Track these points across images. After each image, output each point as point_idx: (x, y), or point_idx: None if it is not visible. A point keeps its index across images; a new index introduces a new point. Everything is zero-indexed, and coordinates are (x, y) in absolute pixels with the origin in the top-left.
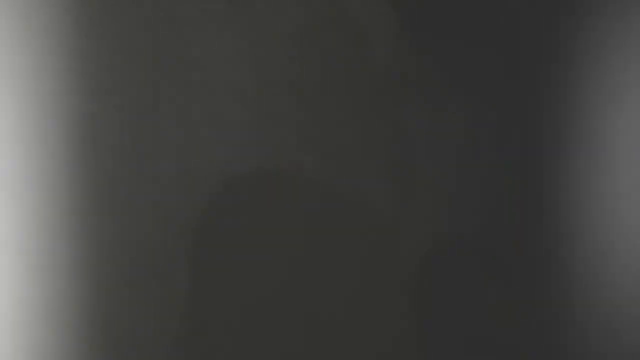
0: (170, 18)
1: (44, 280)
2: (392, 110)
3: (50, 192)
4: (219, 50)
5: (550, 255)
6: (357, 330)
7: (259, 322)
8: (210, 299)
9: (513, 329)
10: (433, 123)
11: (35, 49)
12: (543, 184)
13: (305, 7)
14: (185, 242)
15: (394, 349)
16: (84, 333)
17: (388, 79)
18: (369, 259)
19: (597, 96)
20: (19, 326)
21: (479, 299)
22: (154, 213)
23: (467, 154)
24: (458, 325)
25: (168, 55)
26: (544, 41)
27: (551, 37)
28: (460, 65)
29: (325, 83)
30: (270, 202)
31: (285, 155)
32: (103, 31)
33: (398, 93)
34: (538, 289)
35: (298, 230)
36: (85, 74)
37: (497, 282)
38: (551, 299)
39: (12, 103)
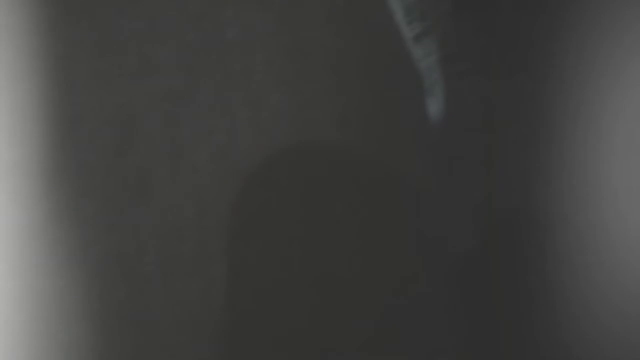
0: (206, 0)
1: (80, 271)
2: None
3: (87, 182)
4: (257, 32)
5: (555, 251)
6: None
7: (302, 295)
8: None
9: (516, 327)
10: (485, 99)
11: (63, 32)
12: (544, 182)
13: None
14: (223, 227)
15: (434, 325)
16: (119, 324)
17: (439, 57)
18: (408, 235)
19: (597, 95)
20: (53, 316)
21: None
22: (192, 197)
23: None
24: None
25: (205, 37)
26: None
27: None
28: (510, 42)
29: (366, 63)
30: (307, 184)
31: (323, 136)
32: (137, 13)
33: (448, 71)
34: (538, 285)
35: (337, 213)
36: (118, 58)
37: (508, 275)
38: (549, 296)
39: (45, 89)
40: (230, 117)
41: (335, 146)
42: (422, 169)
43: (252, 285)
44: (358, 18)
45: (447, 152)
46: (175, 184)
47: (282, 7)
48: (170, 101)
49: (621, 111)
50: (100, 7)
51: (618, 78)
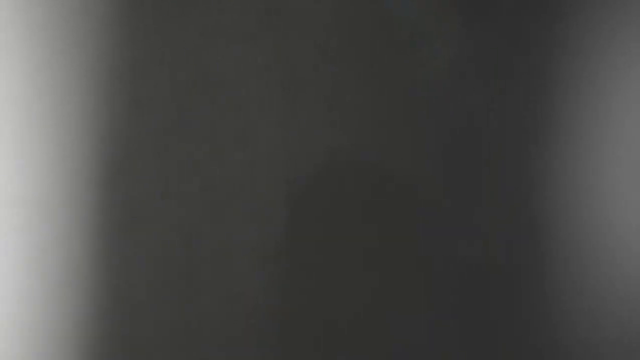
0: (198, 34)
1: (68, 303)
2: (451, 103)
3: (76, 215)
4: (247, 66)
5: (549, 253)
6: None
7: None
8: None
9: (508, 328)
10: (489, 100)
11: (63, 66)
12: (542, 182)
13: (337, 16)
14: (211, 259)
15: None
16: (108, 355)
17: (445, 61)
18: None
19: (597, 95)
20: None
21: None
22: (181, 230)
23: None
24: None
25: (195, 71)
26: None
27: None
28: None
29: (360, 95)
30: (298, 218)
31: (315, 167)
32: (130, 48)
33: (455, 75)
34: (534, 288)
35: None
36: (111, 91)
37: (500, 280)
38: (545, 297)
39: (53, 124)
40: (221, 149)
41: (329, 179)
42: (424, 187)
43: (241, 314)
44: (350, 51)
45: (452, 158)
46: (164, 217)
47: (273, 41)
48: (160, 135)
49: (622, 112)
50: (87, 44)
51: (619, 79)
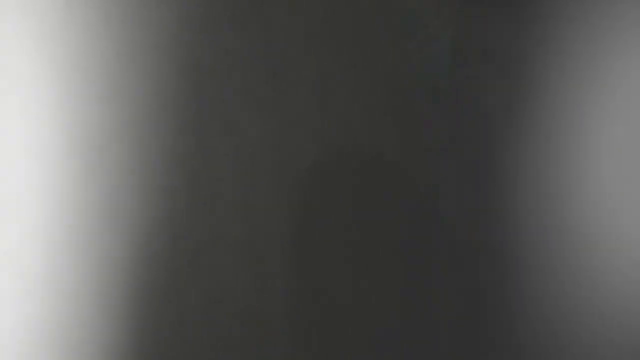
0: (184, 22)
1: (50, 299)
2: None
3: (56, 208)
4: (236, 55)
5: (547, 250)
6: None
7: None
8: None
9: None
10: (490, 101)
11: (43, 54)
12: (542, 182)
13: (329, 4)
14: (196, 253)
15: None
16: (88, 351)
17: (448, 61)
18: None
19: (596, 95)
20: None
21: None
22: (166, 223)
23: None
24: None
25: (182, 61)
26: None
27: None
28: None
29: (354, 83)
30: (286, 209)
31: (308, 163)
32: (112, 34)
33: (457, 73)
34: (534, 285)
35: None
36: (91, 78)
37: (509, 281)
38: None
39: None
40: (207, 141)
41: (322, 171)
42: (421, 176)
43: (224, 311)
44: (337, 38)
45: (449, 148)
46: (148, 211)
47: (258, 31)
48: (141, 125)
49: (620, 112)
50: (66, 34)
51: (618, 74)
